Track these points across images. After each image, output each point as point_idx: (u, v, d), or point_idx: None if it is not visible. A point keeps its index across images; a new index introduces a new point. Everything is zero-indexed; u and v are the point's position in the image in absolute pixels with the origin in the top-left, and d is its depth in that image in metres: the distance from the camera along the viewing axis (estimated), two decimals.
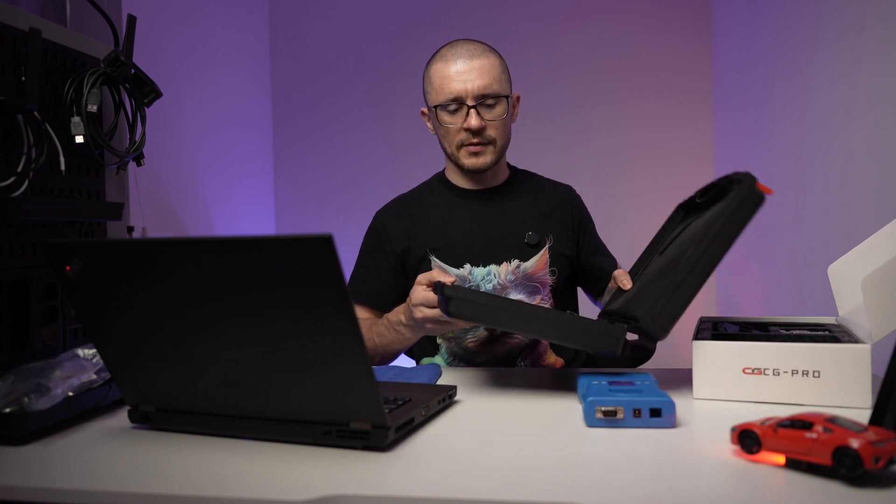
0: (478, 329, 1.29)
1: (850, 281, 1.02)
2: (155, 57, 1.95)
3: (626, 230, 2.61)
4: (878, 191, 1.38)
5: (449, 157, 1.39)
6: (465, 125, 1.30)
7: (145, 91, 1.19)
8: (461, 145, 1.33)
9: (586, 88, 2.66)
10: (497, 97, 1.31)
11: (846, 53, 1.52)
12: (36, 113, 1.00)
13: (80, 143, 1.08)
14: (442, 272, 1.12)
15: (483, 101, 1.30)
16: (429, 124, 1.41)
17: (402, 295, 1.34)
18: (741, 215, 0.96)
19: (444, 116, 1.32)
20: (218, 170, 2.36)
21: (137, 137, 1.20)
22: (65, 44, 1.11)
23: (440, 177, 1.46)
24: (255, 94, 2.71)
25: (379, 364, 1.29)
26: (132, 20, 1.16)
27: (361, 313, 1.37)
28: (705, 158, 2.62)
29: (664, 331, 0.93)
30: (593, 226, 1.50)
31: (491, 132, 1.32)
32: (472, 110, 1.29)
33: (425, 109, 1.40)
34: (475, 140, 1.32)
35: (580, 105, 2.65)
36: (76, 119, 1.08)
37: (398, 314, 1.20)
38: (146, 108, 1.21)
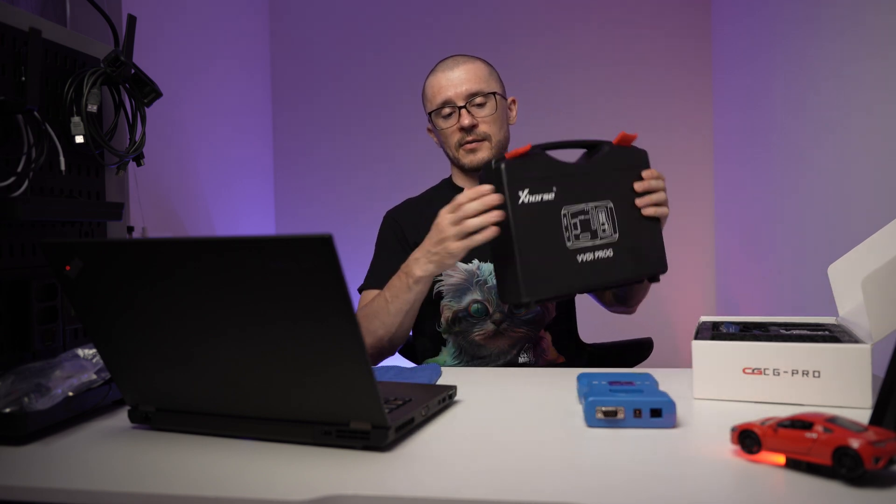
0: (484, 323, 1.35)
1: (850, 281, 1.02)
2: (155, 57, 1.95)
3: None
4: (878, 190, 1.38)
5: (452, 161, 1.45)
6: (458, 125, 1.37)
7: (145, 91, 1.19)
8: (459, 145, 1.39)
9: (585, 85, 2.66)
10: (485, 95, 1.37)
11: (846, 50, 1.52)
12: (36, 113, 1.00)
13: (80, 143, 1.08)
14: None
15: (472, 100, 1.37)
16: (434, 139, 1.48)
17: None
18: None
19: (440, 122, 1.40)
20: (218, 170, 2.36)
21: (137, 137, 1.20)
22: (65, 44, 1.11)
23: (447, 182, 1.53)
24: (256, 94, 2.71)
25: (387, 330, 1.28)
26: (132, 20, 1.16)
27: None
28: (705, 156, 2.62)
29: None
30: None
31: (484, 128, 1.38)
32: (463, 110, 1.36)
33: (430, 126, 1.47)
34: (470, 138, 1.38)
35: (579, 102, 2.65)
36: (76, 119, 1.08)
37: (412, 258, 1.21)
38: (146, 108, 1.21)
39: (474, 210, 1.08)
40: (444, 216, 1.14)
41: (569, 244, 1.10)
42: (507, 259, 1.08)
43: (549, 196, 1.10)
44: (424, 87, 1.44)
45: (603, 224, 1.14)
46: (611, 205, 1.15)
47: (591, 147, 1.19)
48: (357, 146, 2.77)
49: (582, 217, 1.13)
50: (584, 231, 1.12)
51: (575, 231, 1.11)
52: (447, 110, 1.38)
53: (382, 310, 1.26)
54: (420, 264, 1.19)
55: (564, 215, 1.11)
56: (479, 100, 1.37)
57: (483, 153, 1.39)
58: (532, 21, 2.68)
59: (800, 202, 1.80)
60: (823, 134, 1.65)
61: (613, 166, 1.17)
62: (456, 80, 1.37)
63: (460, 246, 1.12)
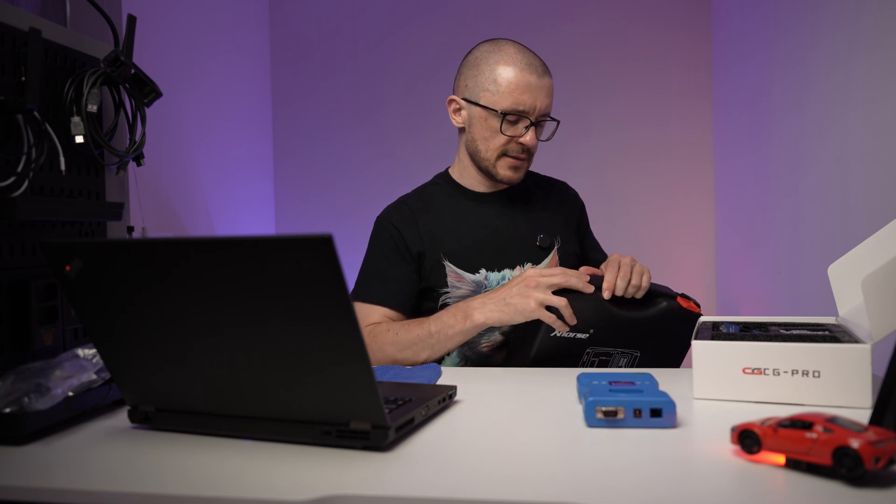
0: (492, 334, 1.31)
1: (850, 281, 1.02)
2: (155, 57, 1.95)
3: (626, 224, 2.62)
4: (879, 190, 1.38)
5: (480, 159, 1.34)
6: (521, 139, 1.29)
7: (145, 91, 1.19)
8: (503, 155, 1.31)
9: (585, 82, 2.66)
10: (551, 120, 1.33)
11: (846, 47, 1.52)
12: (36, 113, 1.00)
13: (80, 143, 1.08)
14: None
15: (543, 119, 1.30)
16: (456, 117, 1.35)
17: (419, 297, 1.35)
18: None
19: (502, 124, 1.28)
20: (218, 170, 2.36)
21: (137, 137, 1.20)
22: (65, 44, 1.11)
23: (445, 178, 1.43)
24: (255, 94, 2.71)
25: (415, 360, 1.23)
26: (132, 20, 1.16)
27: (377, 316, 1.31)
28: (705, 153, 2.62)
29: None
30: (588, 219, 1.53)
31: (533, 150, 1.32)
32: (533, 128, 1.28)
33: (458, 99, 1.34)
34: (523, 155, 1.31)
35: (579, 99, 2.65)
36: (76, 119, 1.07)
37: (477, 302, 1.18)
38: (146, 108, 1.21)
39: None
40: (536, 277, 1.13)
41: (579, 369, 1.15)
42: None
43: (582, 335, 1.13)
44: (496, 74, 1.27)
45: (620, 368, 1.17)
46: (638, 354, 1.16)
47: (652, 295, 1.18)
48: (357, 146, 2.78)
49: (603, 357, 1.14)
50: (599, 367, 1.16)
51: (590, 367, 1.15)
52: (515, 117, 1.27)
53: (421, 342, 1.20)
54: (486, 310, 1.15)
55: (588, 353, 1.14)
56: (544, 122, 1.31)
57: (521, 173, 1.33)
58: (532, 18, 2.68)
59: (800, 201, 1.80)
60: (824, 131, 1.65)
61: (662, 323, 1.16)
62: (540, 89, 1.26)
63: (539, 313, 1.12)
